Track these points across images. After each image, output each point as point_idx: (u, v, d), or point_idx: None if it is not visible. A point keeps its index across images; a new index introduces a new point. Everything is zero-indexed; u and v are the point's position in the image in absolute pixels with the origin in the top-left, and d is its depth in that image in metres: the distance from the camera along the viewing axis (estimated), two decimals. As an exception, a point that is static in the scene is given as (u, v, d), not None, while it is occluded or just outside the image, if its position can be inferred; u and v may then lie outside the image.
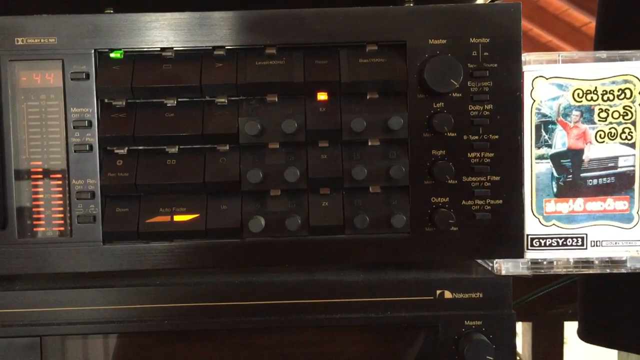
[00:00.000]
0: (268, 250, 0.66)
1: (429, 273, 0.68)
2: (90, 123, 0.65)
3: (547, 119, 0.68)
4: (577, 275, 0.89)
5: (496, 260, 0.68)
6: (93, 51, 0.65)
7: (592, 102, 0.67)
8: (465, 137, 0.66)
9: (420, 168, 0.66)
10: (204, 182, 0.65)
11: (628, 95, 0.67)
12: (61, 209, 0.66)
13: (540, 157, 0.68)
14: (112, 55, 0.66)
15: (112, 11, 0.69)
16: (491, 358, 0.64)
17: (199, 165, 0.65)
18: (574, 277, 0.92)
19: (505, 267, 0.68)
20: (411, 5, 0.69)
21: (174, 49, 0.66)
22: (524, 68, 0.67)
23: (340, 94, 0.66)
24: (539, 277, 0.74)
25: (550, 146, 0.68)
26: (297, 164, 0.65)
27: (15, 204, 0.66)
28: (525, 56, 0.67)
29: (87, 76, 0.65)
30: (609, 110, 0.67)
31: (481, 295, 0.66)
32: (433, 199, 0.66)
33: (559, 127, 0.68)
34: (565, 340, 1.27)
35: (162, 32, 0.65)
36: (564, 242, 0.68)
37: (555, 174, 0.68)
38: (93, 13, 0.66)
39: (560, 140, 0.68)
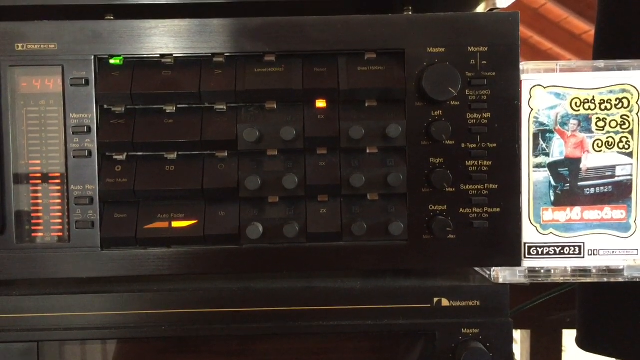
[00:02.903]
0: (266, 257, 0.66)
1: (427, 281, 0.68)
2: (89, 129, 0.65)
3: (545, 128, 0.68)
4: (576, 283, 0.89)
5: (493, 268, 0.68)
6: (93, 57, 0.66)
7: (589, 111, 0.68)
8: (463, 145, 0.66)
9: (418, 176, 0.66)
10: (203, 189, 0.65)
11: (626, 105, 0.68)
12: (60, 214, 0.66)
13: (538, 166, 0.68)
14: (111, 61, 0.66)
15: (112, 18, 0.70)
16: (488, 366, 0.64)
17: (197, 171, 0.66)
18: (572, 285, 0.92)
19: (502, 275, 0.68)
20: (410, 13, 0.70)
21: (174, 55, 0.66)
22: (522, 77, 0.67)
23: (339, 102, 0.66)
24: (537, 285, 0.74)
25: (547, 155, 0.68)
26: (295, 171, 0.65)
27: (14, 209, 0.66)
28: (523, 65, 0.67)
29: (87, 82, 0.65)
30: (606, 119, 0.68)
31: (478, 303, 0.66)
32: (431, 207, 0.66)
33: (556, 136, 0.68)
34: (563, 348, 1.27)
35: (161, 39, 0.66)
36: (562, 251, 0.68)
37: (553, 183, 0.68)
38: (93, 19, 0.66)
39: (558, 149, 0.68)
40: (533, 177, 0.68)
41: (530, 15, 4.94)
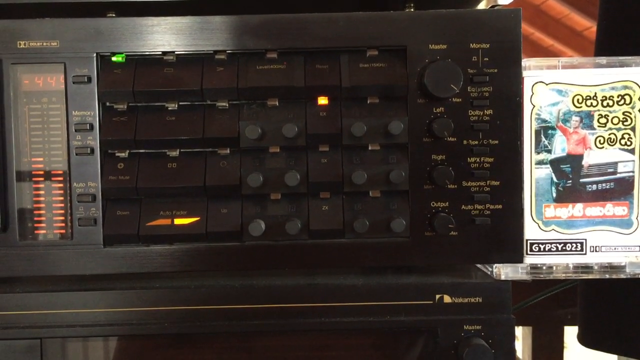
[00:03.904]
0: (268, 253, 0.66)
1: (429, 277, 0.68)
2: (91, 126, 0.66)
3: (547, 125, 0.68)
4: (578, 279, 0.89)
5: (495, 265, 0.68)
6: (95, 55, 0.66)
7: (591, 108, 0.68)
8: (465, 142, 0.66)
9: (420, 173, 0.66)
10: (205, 186, 0.65)
11: (627, 101, 0.67)
12: (62, 211, 0.66)
13: (540, 163, 0.68)
14: (113, 58, 0.66)
15: (114, 15, 0.70)
16: (490, 363, 0.64)
17: (199, 168, 0.66)
18: (574, 282, 0.92)
19: (504, 271, 0.68)
20: (412, 10, 0.70)
21: (176, 52, 0.66)
22: (524, 73, 0.67)
23: (341, 99, 0.66)
24: (539, 282, 0.74)
25: (549, 151, 0.68)
26: (297, 168, 0.65)
27: (17, 207, 0.66)
28: (525, 62, 0.67)
29: (89, 79, 0.65)
30: (608, 116, 0.68)
31: (480, 300, 0.66)
32: (433, 204, 0.66)
33: (558, 133, 0.68)
34: (565, 345, 1.27)
35: (163, 36, 0.66)
36: (564, 247, 0.68)
37: (555, 179, 0.68)
38: (95, 17, 0.66)
39: (560, 146, 0.68)
40: (535, 173, 0.68)
41: (532, 12, 4.93)
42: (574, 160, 0.68)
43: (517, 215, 0.67)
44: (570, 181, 0.68)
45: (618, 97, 0.67)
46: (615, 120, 0.68)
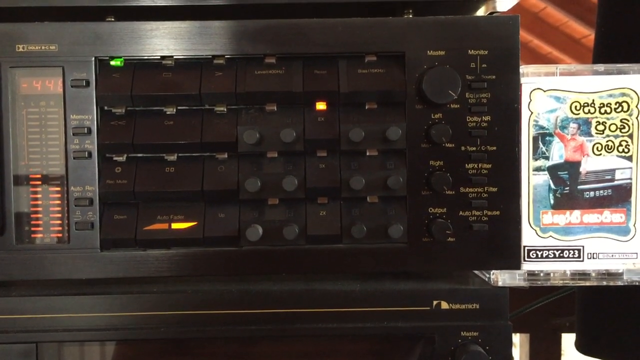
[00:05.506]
0: (265, 259, 0.66)
1: (426, 283, 0.68)
2: (89, 130, 0.66)
3: (545, 131, 0.68)
4: (575, 286, 0.89)
5: (493, 271, 0.68)
6: (93, 59, 0.66)
7: (589, 115, 0.68)
8: (463, 148, 0.66)
9: (417, 178, 0.66)
10: (202, 190, 0.65)
11: (625, 108, 0.68)
12: (59, 215, 0.66)
13: (538, 169, 0.68)
14: (112, 63, 0.66)
15: (113, 19, 0.70)
16: (487, 369, 0.64)
17: (197, 173, 0.66)
18: (572, 289, 0.92)
19: (502, 278, 0.68)
20: (410, 16, 0.70)
21: (174, 57, 0.66)
22: (522, 80, 0.67)
23: (339, 104, 0.66)
24: (536, 289, 0.74)
25: (547, 158, 0.68)
26: (295, 173, 0.65)
27: (14, 210, 0.66)
28: (523, 68, 0.67)
29: (87, 83, 0.65)
30: (606, 123, 0.68)
31: (478, 306, 0.66)
32: (430, 210, 0.66)
33: (556, 139, 0.68)
34: (562, 352, 1.27)
35: (162, 41, 0.66)
36: (561, 254, 0.68)
37: (553, 186, 0.68)
38: (94, 21, 0.66)
39: (558, 153, 0.68)
40: (533, 180, 0.68)
41: (530, 19, 4.94)
42: (572, 167, 0.68)
43: (515, 222, 0.67)
44: (568, 188, 0.68)
45: (616, 104, 0.68)
46: (613, 127, 0.68)
